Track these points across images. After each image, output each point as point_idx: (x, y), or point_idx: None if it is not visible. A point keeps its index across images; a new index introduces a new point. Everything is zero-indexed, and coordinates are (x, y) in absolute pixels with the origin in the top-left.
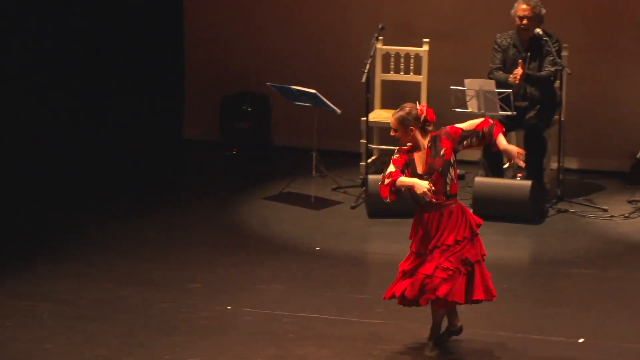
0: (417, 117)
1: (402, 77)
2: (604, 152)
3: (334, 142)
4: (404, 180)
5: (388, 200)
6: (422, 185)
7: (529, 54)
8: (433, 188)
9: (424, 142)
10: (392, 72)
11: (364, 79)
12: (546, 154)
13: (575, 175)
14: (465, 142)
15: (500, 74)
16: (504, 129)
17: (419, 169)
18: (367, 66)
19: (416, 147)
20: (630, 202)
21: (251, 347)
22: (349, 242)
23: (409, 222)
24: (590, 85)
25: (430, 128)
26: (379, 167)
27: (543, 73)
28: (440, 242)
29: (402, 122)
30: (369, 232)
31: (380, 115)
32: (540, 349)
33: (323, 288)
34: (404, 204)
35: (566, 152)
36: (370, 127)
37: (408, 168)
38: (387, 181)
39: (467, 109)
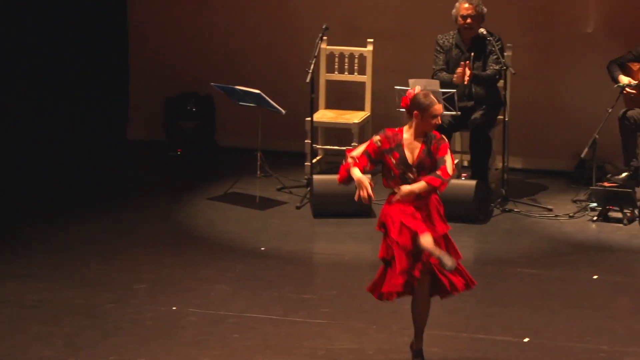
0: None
1: (346, 77)
2: (549, 152)
3: (279, 142)
4: (355, 173)
5: (338, 180)
6: (364, 189)
7: (472, 53)
8: (366, 192)
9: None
10: (336, 72)
11: (308, 79)
12: (491, 154)
13: (519, 174)
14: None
15: (445, 75)
16: (438, 188)
17: (410, 159)
18: (312, 66)
19: (410, 135)
20: (574, 201)
21: (197, 347)
22: (294, 242)
23: (354, 222)
24: (534, 84)
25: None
26: (324, 167)
27: (488, 72)
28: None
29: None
30: (314, 232)
31: (324, 115)
32: (485, 349)
33: (268, 288)
34: (349, 204)
35: (511, 151)
36: (315, 127)
37: (394, 152)
38: (347, 161)
39: None
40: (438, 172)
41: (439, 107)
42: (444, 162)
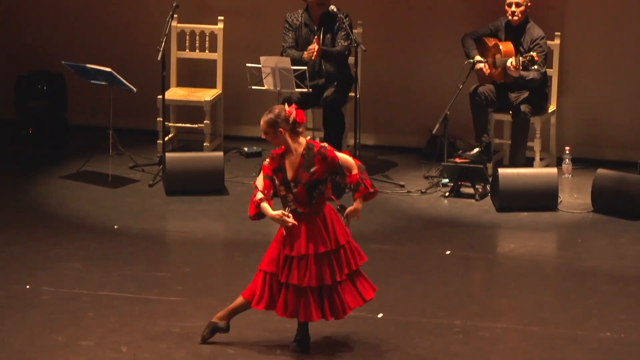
0: (287, 119)
1: (197, 54)
2: (400, 128)
3: (131, 120)
4: (266, 209)
5: (251, 218)
6: (285, 224)
7: (322, 30)
8: (290, 223)
9: (296, 145)
10: (187, 50)
11: (159, 57)
12: (344, 130)
13: (371, 151)
14: (333, 177)
15: (294, 52)
16: (370, 194)
17: (289, 175)
18: (163, 44)
19: (288, 151)
20: (426, 177)
21: (51, 326)
22: (147, 220)
23: (206, 199)
24: (385, 61)
25: (300, 130)
26: (176, 144)
27: (338, 48)
28: (312, 250)
29: (272, 125)
30: (167, 210)
31: (176, 93)
32: (339, 325)
33: (122, 266)
34: (202, 182)
35: (362, 128)
36: (167, 105)
37: (279, 174)
38: (255, 196)
39: (264, 86)
40: (351, 184)
41: (290, 109)
42: (342, 167)
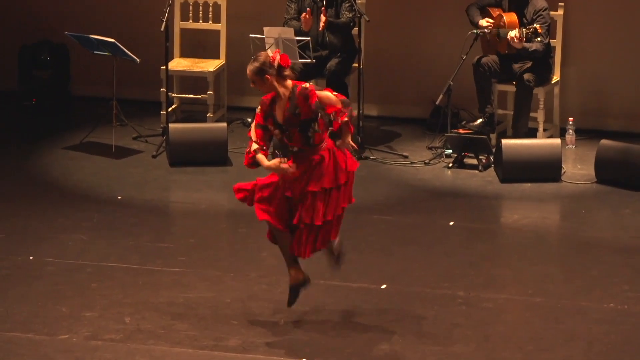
0: (271, 64)
1: (201, 25)
2: (404, 99)
3: (134, 91)
4: (262, 160)
5: (247, 167)
6: (279, 170)
7: (325, 1)
8: (289, 169)
9: (283, 90)
10: (191, 21)
11: (162, 28)
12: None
13: (375, 122)
14: (319, 116)
15: (295, 23)
16: (345, 123)
17: (279, 118)
18: (166, 14)
19: (278, 96)
20: (430, 148)
21: (54, 297)
22: (150, 191)
23: (210, 170)
24: (388, 31)
25: (287, 73)
26: (179, 115)
27: (342, 19)
28: (312, 188)
29: (257, 73)
30: (171, 181)
31: (179, 63)
32: (342, 296)
33: (125, 237)
34: (205, 152)
35: (366, 99)
36: (170, 75)
37: (269, 119)
38: (250, 149)
39: None
40: (331, 115)
41: (273, 55)
42: (322, 106)
